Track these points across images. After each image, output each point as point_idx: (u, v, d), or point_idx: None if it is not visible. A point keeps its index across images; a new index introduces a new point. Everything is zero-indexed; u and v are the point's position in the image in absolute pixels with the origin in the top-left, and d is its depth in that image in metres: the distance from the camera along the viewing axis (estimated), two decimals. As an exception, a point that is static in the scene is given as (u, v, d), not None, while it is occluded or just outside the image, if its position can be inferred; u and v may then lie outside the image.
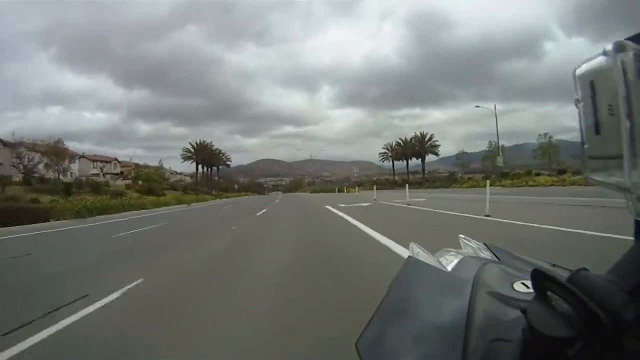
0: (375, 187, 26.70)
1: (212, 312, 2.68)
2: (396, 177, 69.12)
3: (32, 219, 14.29)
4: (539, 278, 0.26)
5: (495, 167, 36.95)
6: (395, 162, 70.66)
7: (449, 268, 0.57)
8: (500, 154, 35.54)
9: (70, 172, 40.80)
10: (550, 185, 27.50)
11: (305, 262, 4.35)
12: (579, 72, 0.29)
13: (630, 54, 0.26)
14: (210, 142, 67.18)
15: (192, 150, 63.45)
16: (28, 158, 31.09)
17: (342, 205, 15.49)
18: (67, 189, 29.95)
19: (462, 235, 0.82)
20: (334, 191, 49.49)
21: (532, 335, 0.25)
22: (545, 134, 43.31)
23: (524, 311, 0.26)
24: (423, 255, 0.62)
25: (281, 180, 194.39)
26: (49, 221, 14.95)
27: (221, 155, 70.39)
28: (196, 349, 2.07)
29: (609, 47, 0.27)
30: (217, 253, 5.42)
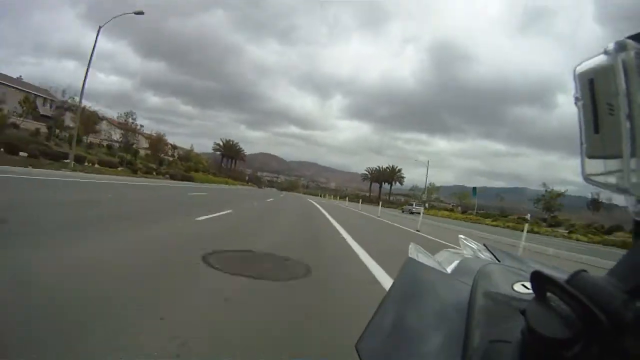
0: (338, 197, 47.47)
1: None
2: (371, 195, 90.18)
3: (185, 180, 34.55)
4: (539, 279, 0.26)
5: (423, 201, 57.88)
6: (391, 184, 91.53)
7: (449, 269, 0.58)
8: (425, 192, 56.58)
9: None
10: (444, 217, 48.53)
11: (298, 199, 25.15)
12: (579, 70, 0.29)
13: (632, 53, 0.26)
14: (237, 142, 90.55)
15: (221, 144, 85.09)
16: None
17: (315, 199, 36.50)
18: (160, 163, 50.47)
19: (462, 236, 0.82)
20: (318, 195, 74.10)
21: (531, 336, 0.25)
22: (462, 185, 65.52)
23: (523, 312, 0.26)
24: (422, 257, 0.62)
25: (277, 177, 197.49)
26: (192, 181, 35.25)
27: (241, 152, 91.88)
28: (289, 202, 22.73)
29: (610, 45, 0.27)
30: (284, 197, 26.25)
